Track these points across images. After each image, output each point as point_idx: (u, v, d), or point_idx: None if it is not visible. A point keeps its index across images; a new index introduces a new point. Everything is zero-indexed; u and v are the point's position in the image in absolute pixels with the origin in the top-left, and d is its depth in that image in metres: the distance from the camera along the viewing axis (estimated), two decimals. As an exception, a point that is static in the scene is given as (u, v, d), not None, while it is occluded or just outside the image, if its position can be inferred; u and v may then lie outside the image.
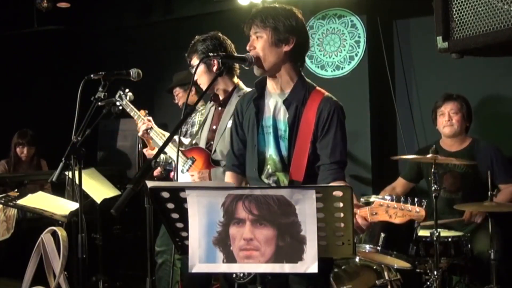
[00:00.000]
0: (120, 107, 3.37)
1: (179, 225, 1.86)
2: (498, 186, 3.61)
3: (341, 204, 1.71)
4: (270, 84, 2.39)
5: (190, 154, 3.13)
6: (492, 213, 3.21)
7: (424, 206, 1.88)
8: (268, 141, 2.37)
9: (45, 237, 3.23)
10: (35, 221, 4.12)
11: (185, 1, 5.56)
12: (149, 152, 3.54)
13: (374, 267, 3.45)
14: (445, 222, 3.57)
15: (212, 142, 3.09)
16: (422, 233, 3.26)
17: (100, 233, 4.00)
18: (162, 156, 3.28)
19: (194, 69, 2.81)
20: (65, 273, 3.22)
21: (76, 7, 5.74)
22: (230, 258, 1.76)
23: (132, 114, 3.39)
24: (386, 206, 1.92)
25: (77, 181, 2.56)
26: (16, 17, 5.74)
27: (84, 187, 2.72)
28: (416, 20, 4.59)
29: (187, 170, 3.09)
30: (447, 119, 3.75)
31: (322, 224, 1.74)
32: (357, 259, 3.41)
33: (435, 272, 3.18)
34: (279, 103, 2.36)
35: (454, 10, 2.03)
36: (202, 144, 3.15)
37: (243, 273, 2.26)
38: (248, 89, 2.93)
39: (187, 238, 1.81)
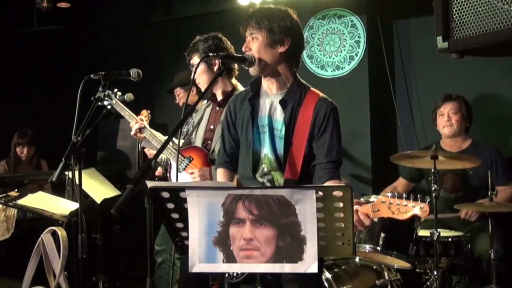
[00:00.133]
0: (109, 106, 3.29)
1: (179, 225, 1.86)
2: (495, 187, 3.60)
3: (341, 204, 1.71)
4: (266, 84, 2.41)
5: (187, 153, 3.13)
6: (492, 213, 3.22)
7: (427, 202, 1.87)
8: (263, 140, 2.38)
9: (45, 237, 3.23)
10: (35, 221, 4.12)
11: (185, 1, 5.56)
12: (150, 152, 3.54)
13: (374, 267, 3.44)
14: (442, 217, 3.57)
15: (209, 142, 3.09)
16: (422, 233, 3.25)
17: (100, 233, 4.00)
18: (162, 156, 3.27)
19: (194, 68, 2.82)
20: (65, 273, 3.22)
21: (76, 7, 5.74)
22: (230, 258, 1.76)
23: (122, 113, 3.35)
24: (388, 203, 1.91)
25: (77, 181, 2.55)
26: (16, 17, 5.73)
27: (84, 187, 2.72)
28: (416, 20, 4.58)
29: (184, 169, 3.09)
30: (446, 119, 3.74)
31: (322, 224, 1.74)
32: (357, 259, 3.41)
33: (435, 272, 3.17)
34: (275, 102, 2.37)
35: (454, 10, 2.03)
36: (198, 143, 3.15)
37: (236, 273, 2.26)
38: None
39: (187, 238, 1.81)
